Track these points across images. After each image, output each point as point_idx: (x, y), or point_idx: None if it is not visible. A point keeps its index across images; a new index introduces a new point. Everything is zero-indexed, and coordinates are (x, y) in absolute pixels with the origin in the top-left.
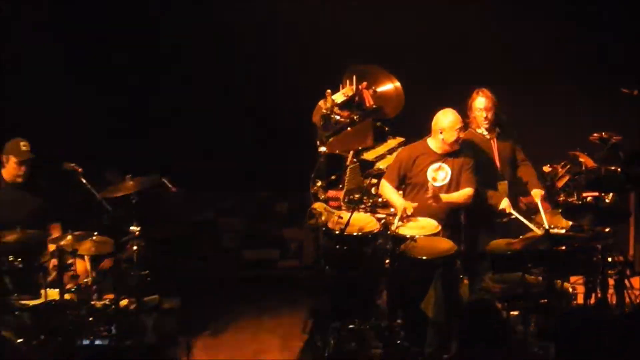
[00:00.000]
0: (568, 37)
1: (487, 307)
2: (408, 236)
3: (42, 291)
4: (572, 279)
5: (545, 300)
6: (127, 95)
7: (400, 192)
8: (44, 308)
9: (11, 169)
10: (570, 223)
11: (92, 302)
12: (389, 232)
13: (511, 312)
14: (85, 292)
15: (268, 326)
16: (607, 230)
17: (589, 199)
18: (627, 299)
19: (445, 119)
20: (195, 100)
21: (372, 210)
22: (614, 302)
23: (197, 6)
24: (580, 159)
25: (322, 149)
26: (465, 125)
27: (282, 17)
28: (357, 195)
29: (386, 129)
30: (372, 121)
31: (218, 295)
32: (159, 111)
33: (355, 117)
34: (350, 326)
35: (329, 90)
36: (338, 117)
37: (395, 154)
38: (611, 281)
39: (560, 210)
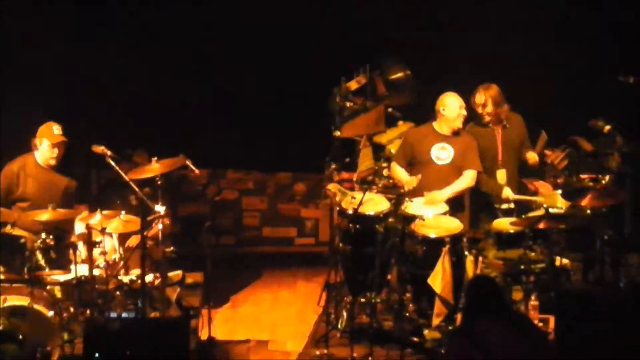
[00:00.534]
0: (570, 25)
1: (490, 283)
2: (417, 215)
3: (73, 267)
4: (571, 256)
5: (546, 276)
6: (154, 80)
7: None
8: (74, 283)
9: (45, 152)
10: (569, 203)
11: (120, 277)
12: (399, 212)
13: (513, 287)
14: (113, 267)
15: (285, 299)
16: (604, 209)
17: (587, 180)
18: (623, 276)
19: (447, 98)
20: (221, 85)
21: (384, 191)
22: (610, 277)
23: None
24: (580, 143)
25: (337, 133)
26: (470, 119)
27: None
28: (369, 177)
29: (397, 114)
30: (383, 107)
31: (238, 270)
32: (185, 95)
33: (367, 104)
34: (363, 299)
35: (343, 78)
36: (352, 104)
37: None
38: (607, 258)
39: (560, 191)
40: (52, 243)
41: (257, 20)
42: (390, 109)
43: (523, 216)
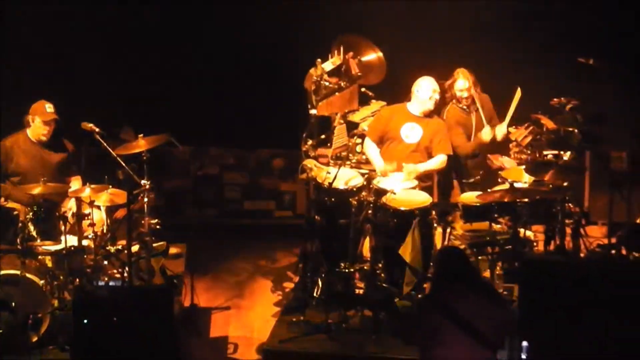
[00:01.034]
0: (533, 8)
1: (458, 253)
2: (388, 189)
3: (63, 238)
4: (534, 227)
5: (510, 247)
6: (142, 61)
7: None
8: (64, 253)
9: (37, 129)
10: (533, 178)
11: (107, 248)
12: (371, 186)
13: (479, 257)
14: (101, 238)
15: (264, 269)
16: (565, 184)
17: (549, 156)
18: (583, 246)
19: (422, 81)
20: (204, 67)
21: (357, 166)
22: (571, 248)
23: None
24: (542, 121)
25: (313, 111)
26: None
27: None
28: (343, 153)
29: (370, 94)
30: (357, 87)
31: (220, 241)
32: (171, 76)
33: (342, 84)
34: (337, 269)
35: (319, 60)
36: (327, 84)
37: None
38: (568, 230)
39: (524, 167)
40: (43, 215)
41: (238, 1)
42: (363, 89)
43: (489, 190)
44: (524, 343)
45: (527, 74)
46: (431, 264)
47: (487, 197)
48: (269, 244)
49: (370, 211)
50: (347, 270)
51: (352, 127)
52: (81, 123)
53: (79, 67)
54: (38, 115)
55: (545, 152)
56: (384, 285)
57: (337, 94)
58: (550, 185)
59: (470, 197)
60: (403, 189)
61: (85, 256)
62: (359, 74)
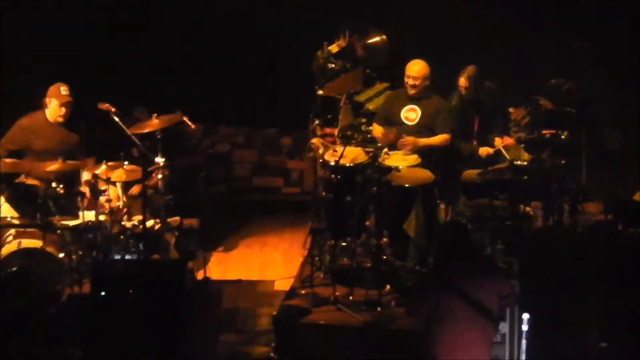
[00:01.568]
0: None
1: (460, 228)
2: (392, 167)
3: (80, 213)
4: (533, 204)
5: (510, 222)
6: (154, 43)
7: None
8: (82, 228)
9: (53, 110)
10: (531, 156)
11: (123, 223)
12: (376, 164)
13: (481, 232)
14: (117, 214)
15: (273, 243)
16: (562, 162)
17: (547, 135)
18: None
19: (411, 64)
20: (215, 49)
21: (362, 144)
22: (569, 223)
23: None
24: (540, 102)
25: (320, 92)
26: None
27: None
28: (349, 132)
29: (374, 75)
30: (362, 69)
31: (230, 216)
32: (183, 59)
33: (347, 65)
34: (343, 244)
35: (325, 43)
36: (333, 65)
37: (382, 96)
38: (566, 206)
39: (523, 146)
40: (62, 191)
41: None
42: (367, 70)
43: (490, 168)
44: (525, 315)
45: (527, 57)
46: (434, 239)
47: (487, 175)
48: (277, 219)
49: (375, 188)
50: (352, 245)
51: (357, 107)
52: (98, 103)
53: (91, 48)
54: (54, 98)
55: (543, 132)
56: (389, 259)
57: (342, 75)
58: (548, 163)
59: (472, 174)
60: (407, 167)
61: (102, 231)
62: (364, 56)
